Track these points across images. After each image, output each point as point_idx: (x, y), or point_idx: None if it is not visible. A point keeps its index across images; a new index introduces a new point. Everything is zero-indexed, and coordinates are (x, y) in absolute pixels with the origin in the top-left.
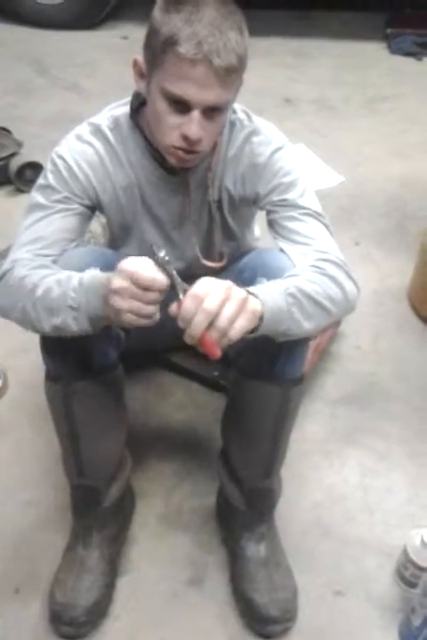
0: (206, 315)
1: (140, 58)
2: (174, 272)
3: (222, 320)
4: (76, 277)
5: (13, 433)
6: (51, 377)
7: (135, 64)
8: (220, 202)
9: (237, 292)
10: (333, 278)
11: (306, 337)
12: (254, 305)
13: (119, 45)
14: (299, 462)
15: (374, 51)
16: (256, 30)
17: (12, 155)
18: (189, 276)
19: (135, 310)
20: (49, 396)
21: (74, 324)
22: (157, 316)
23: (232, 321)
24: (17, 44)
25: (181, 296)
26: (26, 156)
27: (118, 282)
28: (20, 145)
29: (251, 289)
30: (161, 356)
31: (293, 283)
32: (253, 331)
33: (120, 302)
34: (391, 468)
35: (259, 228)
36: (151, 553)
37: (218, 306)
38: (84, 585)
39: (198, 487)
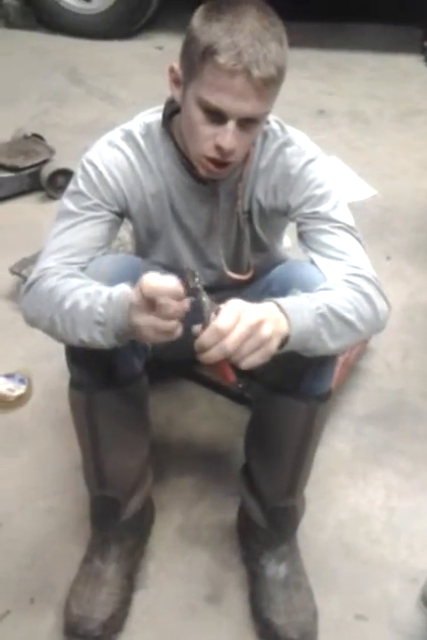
0: (223, 352)
1: (177, 65)
2: (205, 298)
3: (236, 356)
4: (105, 292)
5: (35, 440)
6: (75, 385)
7: (172, 71)
8: (250, 213)
9: (265, 330)
10: (366, 295)
11: (335, 358)
12: (281, 328)
13: (154, 56)
14: (323, 480)
15: (410, 64)
16: (290, 42)
17: (45, 161)
18: (219, 286)
19: (154, 326)
20: (72, 404)
21: (101, 339)
22: (180, 331)
23: (245, 357)
24: (54, 52)
25: (206, 321)
26: (58, 162)
27: (138, 297)
28: (52, 152)
29: (283, 304)
30: (186, 367)
31: (324, 300)
32: (279, 346)
33: (138, 318)
34: (418, 489)
35: (289, 237)
36: (169, 568)
37: (238, 345)
38: (101, 598)
39: (219, 502)
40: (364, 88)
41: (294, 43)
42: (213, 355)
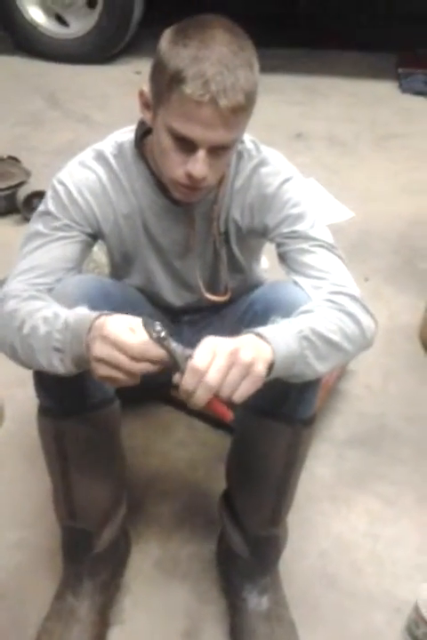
0: (208, 389)
1: (147, 88)
2: (173, 344)
3: (225, 389)
4: (62, 316)
5: (6, 469)
6: (43, 411)
7: (141, 95)
8: (226, 234)
9: (244, 355)
10: (350, 314)
11: (319, 380)
12: (265, 356)
13: (132, 80)
14: (305, 507)
15: (385, 89)
16: (268, 67)
17: (21, 183)
18: (197, 308)
19: (115, 380)
20: (41, 431)
21: (60, 366)
22: (138, 382)
23: (235, 388)
24: (31, 76)
25: (182, 367)
26: (34, 185)
27: (101, 349)
28: (28, 174)
29: (263, 332)
30: (162, 390)
31: (308, 323)
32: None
33: (101, 370)
34: (401, 515)
35: (267, 259)
36: (145, 602)
37: (220, 378)
38: (73, 635)
39: (198, 532)
40: (341, 112)
41: (272, 68)
42: (200, 396)
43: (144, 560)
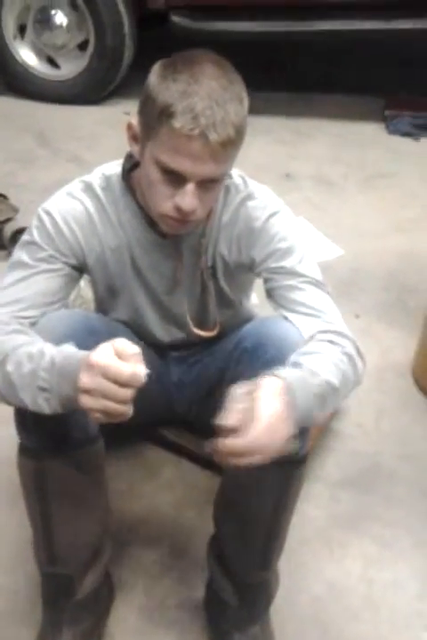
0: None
1: (135, 121)
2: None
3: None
4: (48, 354)
5: None
6: (23, 450)
7: (129, 128)
8: (213, 268)
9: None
10: (349, 356)
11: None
12: (288, 431)
13: (121, 120)
14: (296, 550)
15: (371, 131)
16: (256, 109)
17: (7, 220)
18: (185, 344)
19: (107, 410)
20: (21, 470)
21: (45, 405)
22: (131, 413)
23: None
24: (21, 117)
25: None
26: (21, 221)
27: (88, 379)
28: (15, 210)
29: (293, 394)
30: (148, 429)
31: (324, 377)
32: None
33: (90, 402)
34: (398, 558)
35: (256, 295)
36: None
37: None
38: None
39: (186, 578)
40: (328, 153)
41: (260, 110)
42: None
43: (128, 608)
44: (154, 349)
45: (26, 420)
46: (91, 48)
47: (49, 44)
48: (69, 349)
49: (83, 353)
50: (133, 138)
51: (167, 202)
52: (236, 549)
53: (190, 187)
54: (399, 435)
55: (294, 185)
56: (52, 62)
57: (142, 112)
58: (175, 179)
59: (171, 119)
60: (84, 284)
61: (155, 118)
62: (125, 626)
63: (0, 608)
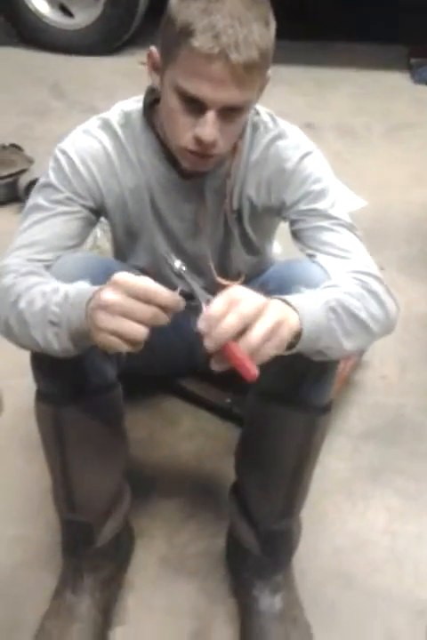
0: (240, 318)
1: (155, 49)
2: (195, 283)
3: (255, 336)
4: (62, 290)
5: (4, 462)
6: (41, 397)
7: (150, 55)
8: (239, 212)
9: (274, 313)
10: (374, 294)
11: (336, 364)
12: (292, 322)
13: (137, 71)
14: (318, 502)
15: (397, 80)
16: (275, 58)
17: (22, 171)
18: (209, 292)
19: (121, 332)
20: (39, 418)
21: (55, 342)
22: (145, 336)
23: (265, 341)
24: (36, 68)
25: (203, 306)
26: (36, 173)
27: (109, 295)
28: (30, 161)
29: (289, 299)
30: (169, 380)
31: (333, 295)
32: (289, 347)
33: (106, 321)
34: (422, 511)
35: (279, 244)
36: (150, 601)
37: (254, 313)
38: (73, 636)
39: (206, 528)
40: (352, 103)
41: (279, 59)
42: (229, 324)
43: (149, 557)
44: None
45: (42, 364)
46: None
47: None
48: (84, 285)
49: (97, 287)
50: (154, 66)
51: (187, 133)
52: (258, 497)
53: (211, 115)
54: (424, 387)
55: (316, 135)
56: (64, 11)
57: (162, 37)
58: (195, 107)
59: (190, 38)
60: (100, 234)
61: (174, 40)
62: (146, 574)
63: (21, 557)
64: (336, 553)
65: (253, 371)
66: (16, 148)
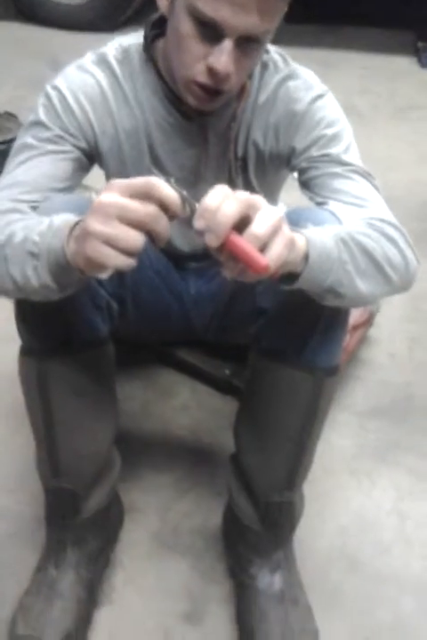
0: (239, 203)
1: None
2: (184, 191)
3: (259, 224)
4: (46, 221)
5: None
6: (25, 351)
7: None
8: (244, 160)
9: (274, 210)
10: (391, 239)
11: (345, 322)
12: (297, 238)
13: None
14: (321, 479)
15: (403, 64)
16: (281, 41)
17: (16, 139)
18: (206, 254)
19: (114, 237)
20: (22, 374)
21: (34, 277)
22: (135, 261)
23: (271, 233)
24: (34, 42)
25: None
26: None
27: (104, 196)
28: None
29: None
30: (165, 350)
31: (344, 230)
32: (295, 278)
33: (97, 225)
34: None
35: (284, 205)
36: (140, 580)
37: (252, 202)
38: (54, 614)
39: (201, 503)
40: (358, 84)
41: (285, 42)
42: (226, 212)
43: (139, 533)
44: (171, 260)
45: (27, 316)
46: None
47: None
48: (71, 215)
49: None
50: None
51: (199, 63)
52: (258, 466)
53: (228, 44)
54: None
55: None
56: None
57: None
58: (211, 33)
59: None
60: (95, 195)
61: None
62: (136, 551)
63: (4, 529)
64: (340, 533)
65: (263, 261)
66: (10, 115)
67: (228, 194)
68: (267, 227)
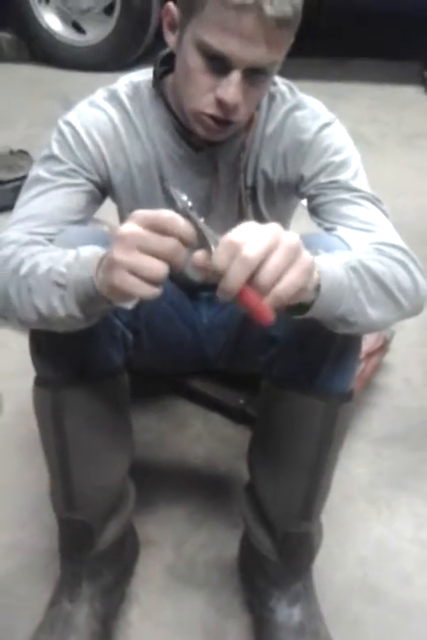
0: (245, 265)
1: (173, 5)
2: (202, 220)
3: (267, 271)
4: (73, 252)
5: (1, 464)
6: (39, 381)
7: (167, 12)
8: (254, 189)
9: (288, 238)
10: (401, 263)
11: (358, 347)
12: (309, 268)
13: None
14: (339, 508)
15: (411, 94)
16: (290, 74)
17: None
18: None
19: (140, 267)
20: (36, 404)
21: (60, 307)
22: (160, 290)
23: (279, 272)
24: (46, 83)
25: (212, 248)
26: None
27: (127, 227)
28: None
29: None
30: (178, 380)
31: (355, 257)
32: (306, 309)
33: (124, 257)
34: None
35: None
36: (156, 615)
37: (261, 254)
38: None
39: (217, 536)
40: (366, 114)
41: (296, 75)
42: (234, 274)
43: (154, 566)
44: (183, 289)
45: (41, 346)
46: (117, 12)
47: (74, 7)
48: (98, 248)
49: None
50: (170, 25)
51: (207, 95)
52: (274, 496)
53: (236, 75)
54: None
55: None
56: (77, 28)
57: None
58: (219, 66)
59: None
60: (107, 228)
61: None
62: (152, 585)
63: (15, 564)
64: (360, 563)
65: (266, 314)
66: (24, 153)
67: (235, 249)
68: (272, 274)
